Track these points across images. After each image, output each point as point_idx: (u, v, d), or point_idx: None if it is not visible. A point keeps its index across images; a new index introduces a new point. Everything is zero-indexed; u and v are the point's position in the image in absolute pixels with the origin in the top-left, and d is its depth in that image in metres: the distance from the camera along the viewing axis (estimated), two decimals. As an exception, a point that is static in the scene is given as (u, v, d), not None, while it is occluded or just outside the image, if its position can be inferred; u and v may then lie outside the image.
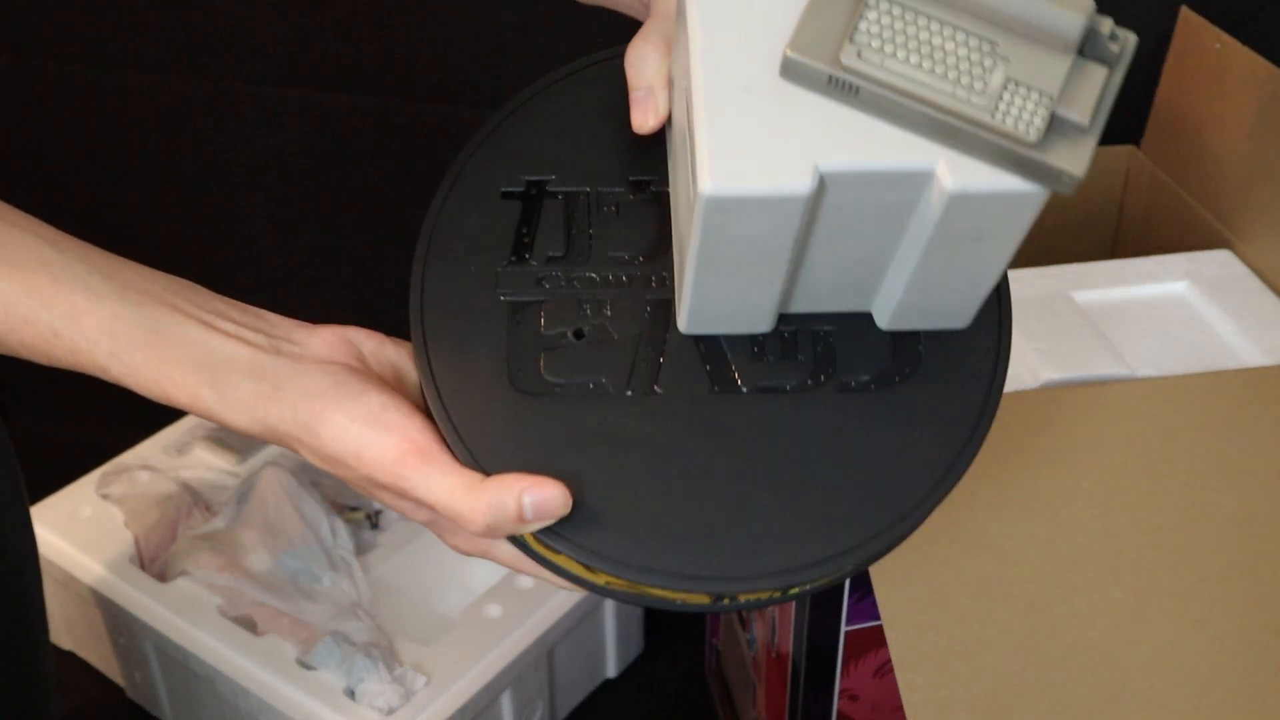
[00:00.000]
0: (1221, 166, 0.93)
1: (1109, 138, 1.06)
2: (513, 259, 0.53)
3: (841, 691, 0.86)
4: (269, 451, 1.20)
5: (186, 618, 1.01)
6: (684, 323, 0.51)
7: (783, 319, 0.52)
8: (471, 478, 0.48)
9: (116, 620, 1.07)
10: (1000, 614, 0.69)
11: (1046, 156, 0.43)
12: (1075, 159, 0.43)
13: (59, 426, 1.35)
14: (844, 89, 0.44)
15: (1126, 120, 1.05)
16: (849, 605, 0.82)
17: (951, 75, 0.44)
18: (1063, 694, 0.67)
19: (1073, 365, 0.78)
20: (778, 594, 0.49)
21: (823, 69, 0.44)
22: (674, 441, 0.50)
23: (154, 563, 1.08)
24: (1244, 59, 0.90)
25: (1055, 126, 0.44)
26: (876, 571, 0.69)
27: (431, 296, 0.53)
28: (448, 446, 0.49)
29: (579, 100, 0.57)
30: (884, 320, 0.52)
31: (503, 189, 0.55)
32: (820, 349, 0.52)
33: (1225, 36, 0.93)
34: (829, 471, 0.49)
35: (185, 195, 1.31)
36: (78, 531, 1.11)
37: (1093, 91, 0.44)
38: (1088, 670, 0.68)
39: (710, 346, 0.52)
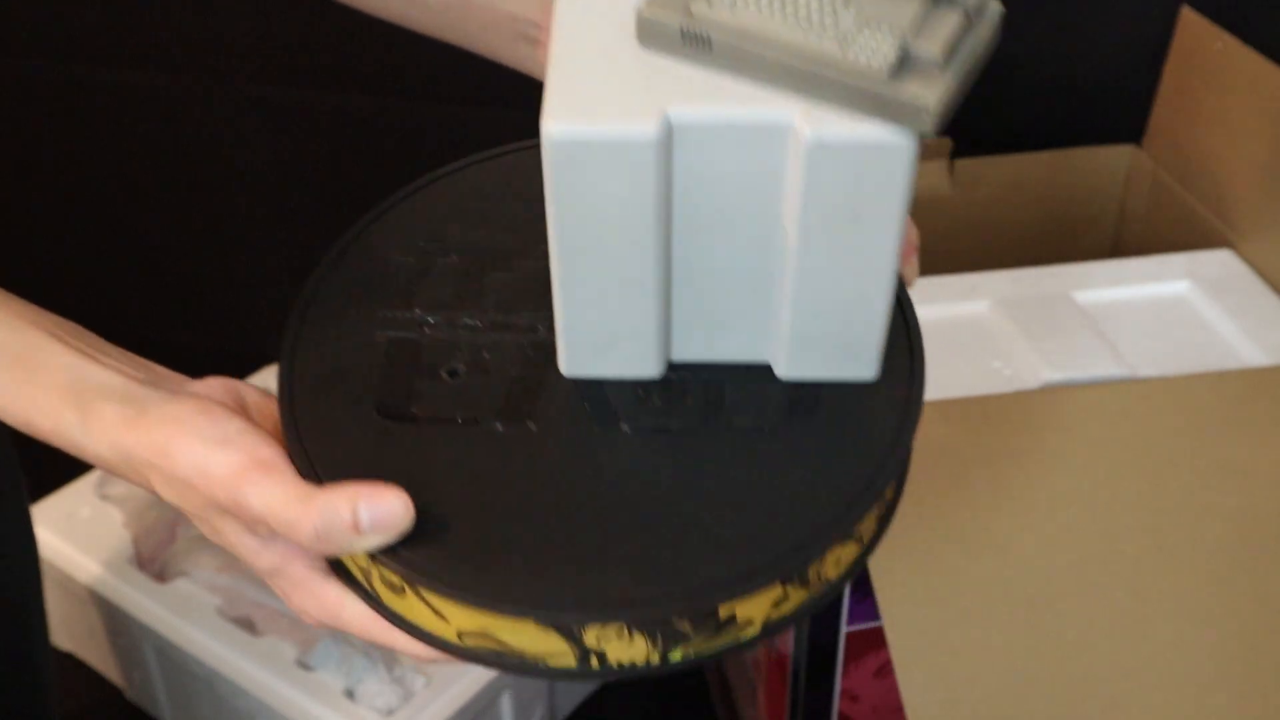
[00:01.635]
0: (1222, 166, 0.93)
1: (1109, 137, 1.06)
2: (397, 303, 0.52)
3: (842, 692, 0.86)
4: (268, 452, 1.20)
5: (186, 618, 1.01)
6: (564, 361, 0.49)
7: (673, 369, 0.49)
8: (306, 487, 0.44)
9: (115, 621, 1.07)
10: (1000, 614, 0.69)
11: (899, 92, 0.42)
12: (928, 92, 0.42)
13: (58, 427, 1.35)
14: (698, 43, 0.44)
15: (1127, 120, 1.05)
16: (849, 606, 0.82)
17: (803, 19, 0.43)
18: (1063, 694, 0.67)
19: (1073, 365, 0.78)
20: (655, 657, 0.44)
21: (674, 21, 0.44)
22: (542, 477, 0.46)
23: (153, 563, 1.08)
24: (1244, 59, 0.90)
25: (909, 63, 0.43)
26: (877, 572, 0.69)
27: (307, 333, 0.51)
28: (297, 469, 0.46)
29: (493, 179, 0.57)
30: (781, 366, 0.49)
31: (397, 251, 0.54)
32: (711, 395, 0.49)
33: (1226, 36, 0.92)
34: (706, 511, 0.45)
35: (184, 195, 1.31)
36: (77, 532, 1.11)
37: (946, 30, 0.44)
38: (1088, 670, 0.68)
39: (593, 388, 0.49)
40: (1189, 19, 0.97)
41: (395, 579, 0.45)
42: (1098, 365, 0.78)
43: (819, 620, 0.83)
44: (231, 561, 1.04)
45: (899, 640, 0.68)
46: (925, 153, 1.02)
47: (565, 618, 0.43)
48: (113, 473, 0.48)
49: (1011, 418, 0.74)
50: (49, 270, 1.37)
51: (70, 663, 1.17)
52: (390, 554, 0.44)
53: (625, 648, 0.44)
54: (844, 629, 0.83)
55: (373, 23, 0.71)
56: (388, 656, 0.97)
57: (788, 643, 0.86)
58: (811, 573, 0.45)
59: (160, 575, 1.06)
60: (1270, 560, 0.71)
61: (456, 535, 0.45)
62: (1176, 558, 0.70)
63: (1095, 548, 0.71)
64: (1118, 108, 1.06)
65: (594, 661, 0.44)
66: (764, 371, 0.49)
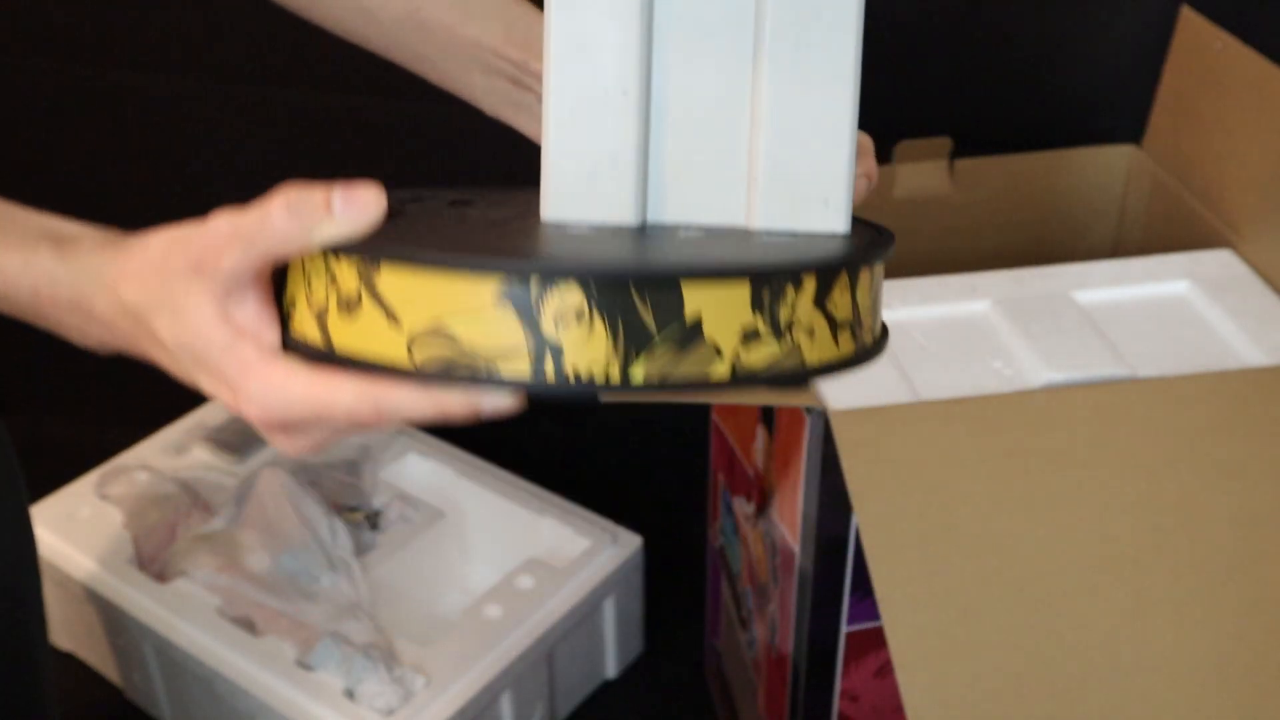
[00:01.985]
0: (1222, 166, 0.93)
1: (1110, 137, 1.07)
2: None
3: (842, 692, 0.86)
4: (268, 452, 1.20)
5: (185, 618, 1.01)
6: (546, 203, 0.50)
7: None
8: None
9: (115, 621, 1.07)
10: (1000, 614, 0.69)
11: None
12: None
13: (58, 426, 1.35)
14: None
15: (1127, 120, 1.05)
16: (849, 605, 0.82)
17: None
18: (1063, 694, 0.67)
19: (1073, 365, 0.78)
20: (616, 370, 0.43)
21: None
22: (515, 234, 0.48)
23: (153, 563, 1.08)
24: (1244, 59, 0.90)
25: None
26: (877, 572, 0.69)
27: None
28: None
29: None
30: (755, 217, 0.50)
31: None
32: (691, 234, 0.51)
33: (1226, 36, 0.92)
34: (677, 251, 0.47)
35: (184, 194, 1.31)
36: (76, 532, 1.11)
37: None
38: (1088, 670, 0.68)
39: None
40: (1189, 19, 0.97)
41: (353, 277, 0.45)
42: (1098, 365, 0.78)
43: (819, 620, 0.83)
44: (231, 562, 1.04)
45: (899, 640, 0.67)
46: (925, 153, 1.02)
47: (525, 268, 0.42)
48: (68, 318, 0.50)
49: (1011, 418, 0.74)
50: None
51: (69, 662, 1.17)
52: (354, 246, 0.45)
53: (584, 344, 0.42)
54: (844, 629, 0.83)
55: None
56: (387, 657, 0.97)
57: (788, 643, 0.86)
58: (784, 313, 0.44)
59: (160, 575, 1.06)
60: (1270, 560, 0.71)
61: (421, 239, 0.46)
62: (1176, 558, 0.70)
63: (1095, 548, 0.71)
64: (1118, 108, 1.06)
65: (549, 366, 0.43)
66: (738, 232, 0.51)
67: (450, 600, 1.15)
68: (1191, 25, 0.97)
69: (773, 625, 0.89)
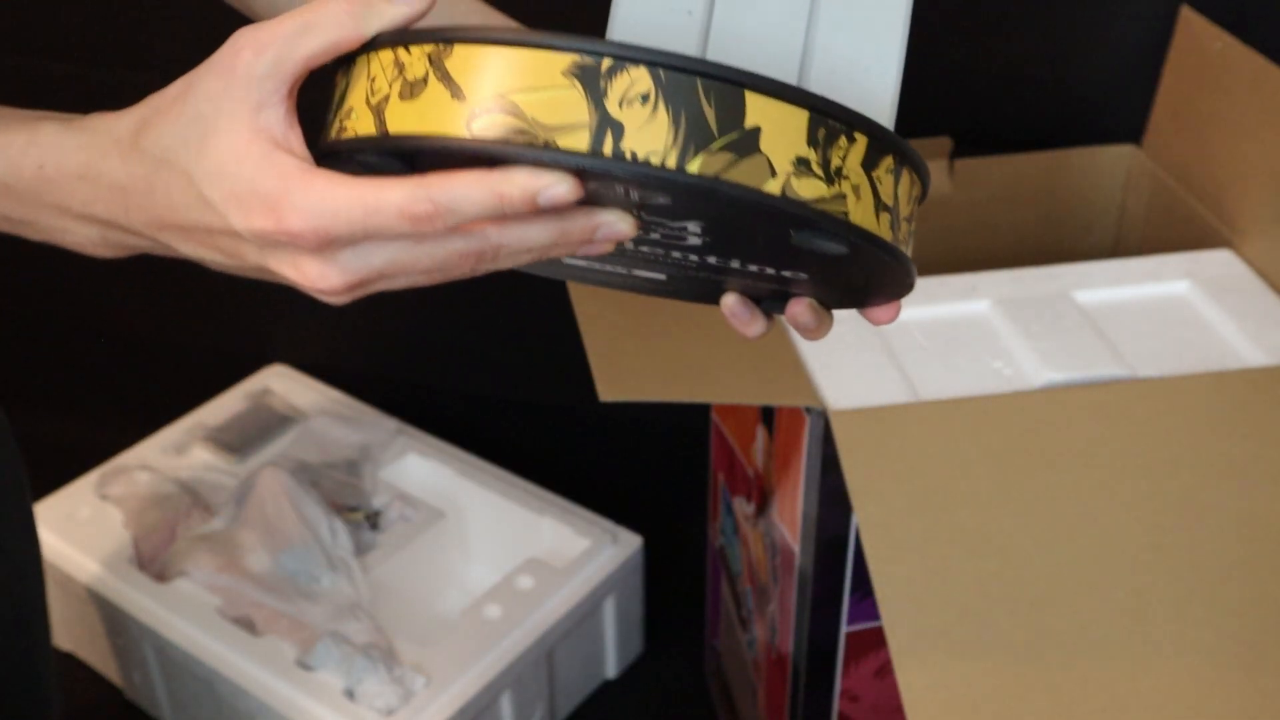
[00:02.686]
0: (1222, 166, 0.93)
1: (1110, 137, 1.07)
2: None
3: (842, 692, 0.86)
4: (268, 452, 1.20)
5: (185, 618, 1.01)
6: (614, 24, 0.51)
7: None
8: None
9: (115, 621, 1.07)
10: (1000, 614, 0.69)
11: None
12: None
13: (58, 426, 1.35)
14: None
15: (1127, 120, 1.05)
16: (849, 605, 0.82)
17: None
18: (1063, 694, 0.67)
19: (1073, 365, 0.78)
20: (673, 158, 0.43)
21: None
22: None
23: (153, 563, 1.08)
24: (1244, 59, 0.90)
25: None
26: (877, 572, 0.69)
27: None
28: None
29: None
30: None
31: None
32: None
33: (1225, 36, 0.92)
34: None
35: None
36: (76, 532, 1.11)
37: None
38: (1088, 671, 0.68)
39: None
40: (1189, 19, 0.97)
41: (422, 61, 0.44)
42: (1098, 365, 0.78)
43: (819, 620, 0.83)
44: (231, 561, 1.04)
45: (899, 640, 0.67)
46: (925, 153, 1.02)
47: (600, 48, 0.42)
48: (74, 189, 0.48)
49: (1011, 418, 0.74)
50: (49, 270, 1.37)
51: (70, 662, 1.17)
52: (431, 32, 0.44)
53: (645, 128, 0.43)
54: (844, 629, 0.83)
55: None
56: (387, 657, 0.97)
57: (788, 643, 0.86)
58: (835, 157, 0.45)
59: (160, 575, 1.06)
60: (1270, 560, 0.71)
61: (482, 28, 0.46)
62: (1176, 558, 0.70)
63: (1095, 548, 0.71)
64: (1118, 108, 1.06)
65: (608, 143, 0.43)
66: None
67: (450, 600, 1.15)
68: (1191, 25, 0.97)
69: (773, 625, 0.89)
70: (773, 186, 0.44)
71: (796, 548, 0.81)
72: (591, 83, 0.42)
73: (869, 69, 0.50)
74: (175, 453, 1.19)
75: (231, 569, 1.04)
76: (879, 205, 0.46)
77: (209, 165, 0.45)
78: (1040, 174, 1.05)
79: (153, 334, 1.38)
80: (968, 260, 0.97)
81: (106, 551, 1.08)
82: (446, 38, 0.44)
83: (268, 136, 0.44)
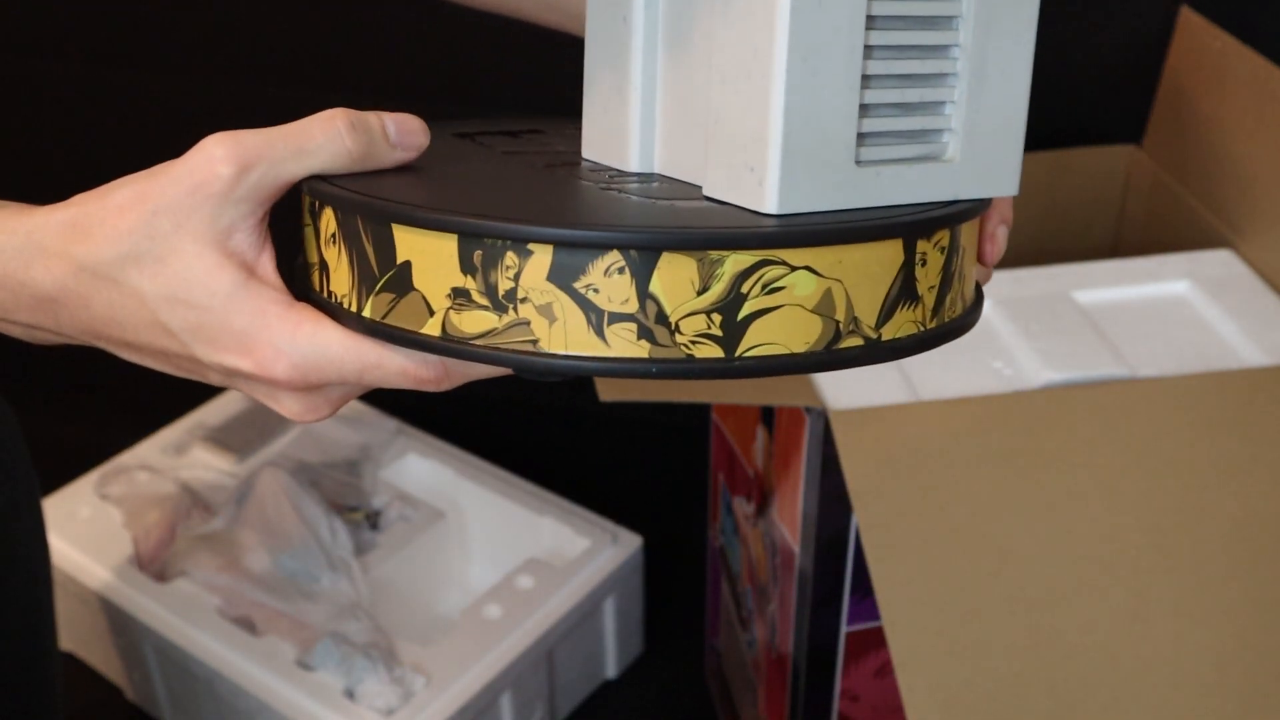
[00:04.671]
0: (1222, 166, 0.93)
1: (1110, 137, 1.06)
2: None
3: (842, 692, 0.86)
4: (268, 452, 1.19)
5: (185, 619, 1.01)
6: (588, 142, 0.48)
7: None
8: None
9: (115, 621, 1.07)
10: (1000, 614, 0.69)
11: None
12: None
13: (58, 427, 1.35)
14: None
15: (1128, 120, 1.05)
16: (849, 605, 0.82)
17: None
18: (1063, 694, 0.67)
19: (1073, 365, 0.78)
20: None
21: None
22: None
23: (153, 563, 1.08)
24: (1244, 59, 0.90)
25: None
26: (877, 572, 0.69)
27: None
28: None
29: None
30: (706, 178, 0.44)
31: None
32: None
33: (1225, 36, 0.92)
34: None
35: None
36: (76, 532, 1.11)
37: None
38: (1088, 671, 0.68)
39: None
40: (1189, 19, 0.97)
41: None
42: (1098, 365, 0.78)
43: (819, 620, 0.82)
44: (231, 562, 1.04)
45: (899, 640, 0.67)
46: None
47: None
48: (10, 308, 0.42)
49: (1011, 418, 0.74)
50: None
51: (70, 663, 1.17)
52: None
53: (337, 269, 0.41)
54: (844, 629, 0.83)
55: (373, 22, 0.71)
56: (387, 657, 0.97)
57: (788, 643, 0.86)
58: (502, 281, 0.39)
59: (160, 575, 1.06)
60: (1270, 560, 0.71)
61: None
62: (1176, 558, 0.70)
63: (1095, 548, 0.71)
64: (1118, 108, 1.06)
65: (319, 280, 0.42)
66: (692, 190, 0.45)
67: (450, 600, 1.15)
68: (1191, 25, 0.97)
69: (773, 625, 0.89)
70: (432, 327, 0.39)
71: (796, 548, 0.81)
72: (313, 222, 0.42)
73: (747, 92, 0.41)
74: (175, 453, 1.19)
75: (231, 569, 1.04)
76: (600, 320, 0.38)
77: (166, 289, 0.39)
78: (1040, 174, 1.05)
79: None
80: (968, 260, 0.97)
81: (106, 551, 1.08)
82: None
83: (239, 263, 0.40)
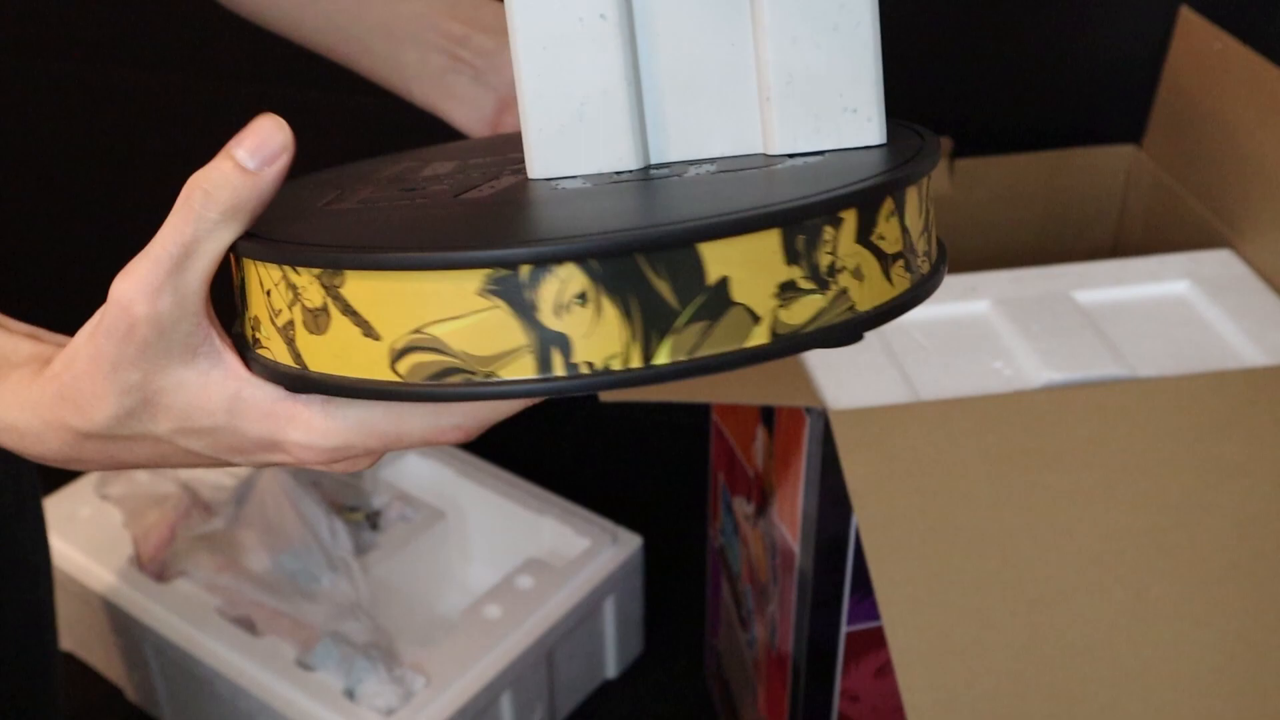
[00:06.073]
0: (1222, 166, 0.93)
1: (1110, 137, 1.06)
2: (333, 197, 0.46)
3: (842, 692, 0.86)
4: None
5: (185, 619, 1.01)
6: (533, 160, 0.43)
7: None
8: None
9: (115, 621, 1.07)
10: (1000, 614, 0.69)
11: None
12: None
13: (58, 427, 1.35)
14: None
15: (1128, 120, 1.05)
16: (849, 605, 0.82)
17: None
18: (1064, 694, 0.67)
19: (1073, 365, 0.78)
20: (637, 353, 0.36)
21: None
22: (492, 213, 0.40)
23: (153, 563, 1.08)
24: (1244, 59, 0.90)
25: None
26: (877, 572, 0.69)
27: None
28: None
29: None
30: (773, 140, 0.43)
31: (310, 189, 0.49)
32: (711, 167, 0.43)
33: (1225, 36, 0.92)
34: (683, 204, 0.39)
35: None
36: (76, 532, 1.11)
37: None
38: (1089, 671, 0.68)
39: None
40: (1189, 19, 0.97)
41: (316, 289, 0.38)
42: (1098, 365, 0.78)
43: (819, 620, 0.83)
44: (231, 562, 1.04)
45: (899, 640, 0.68)
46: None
47: (510, 256, 0.35)
48: (25, 454, 0.42)
49: (1011, 418, 0.74)
50: (48, 270, 1.37)
51: (70, 663, 1.17)
52: (312, 253, 0.38)
53: (594, 332, 0.35)
54: (844, 629, 0.83)
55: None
56: (387, 657, 0.97)
57: (788, 643, 0.86)
58: (824, 258, 0.37)
59: (160, 575, 1.06)
60: (1270, 560, 0.71)
61: (386, 231, 0.39)
62: (1176, 558, 0.70)
63: (1095, 548, 0.71)
64: (1118, 108, 1.06)
65: (558, 362, 0.36)
66: (756, 160, 0.44)
67: (450, 600, 1.15)
68: (1191, 25, 0.97)
69: (773, 625, 0.89)
70: (759, 335, 0.37)
71: (796, 548, 0.81)
72: (515, 297, 0.35)
73: (836, 19, 0.42)
74: (175, 453, 1.19)
75: (231, 569, 1.04)
76: (889, 265, 0.39)
77: (171, 424, 0.40)
78: (1040, 174, 1.05)
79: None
80: (968, 260, 0.97)
81: (106, 552, 1.08)
82: (333, 261, 0.37)
83: (223, 375, 0.40)
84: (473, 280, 0.35)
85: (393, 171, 0.50)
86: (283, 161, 0.38)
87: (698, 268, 0.36)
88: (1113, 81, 1.07)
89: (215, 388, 0.39)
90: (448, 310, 0.36)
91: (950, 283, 0.86)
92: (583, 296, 0.35)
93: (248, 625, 1.01)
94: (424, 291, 0.36)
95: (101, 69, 1.25)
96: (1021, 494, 0.72)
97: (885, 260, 0.39)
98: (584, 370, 0.36)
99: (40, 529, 0.75)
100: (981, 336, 0.82)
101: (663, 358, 0.36)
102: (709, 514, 1.07)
